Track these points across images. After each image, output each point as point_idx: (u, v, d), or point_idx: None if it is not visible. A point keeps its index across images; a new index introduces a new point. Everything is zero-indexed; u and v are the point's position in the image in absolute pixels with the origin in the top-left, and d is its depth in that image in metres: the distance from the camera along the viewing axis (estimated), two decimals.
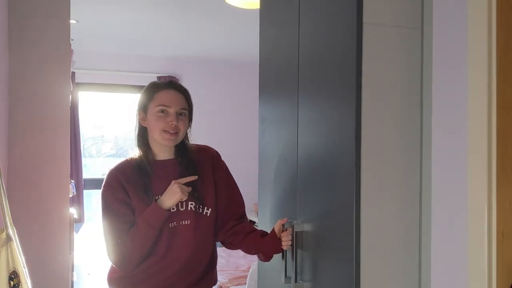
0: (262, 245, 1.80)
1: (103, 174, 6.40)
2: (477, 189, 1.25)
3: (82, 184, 5.43)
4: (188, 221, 1.73)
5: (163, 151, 1.78)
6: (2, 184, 1.30)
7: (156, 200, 1.69)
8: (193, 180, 1.74)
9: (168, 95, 1.73)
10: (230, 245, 1.89)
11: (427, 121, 1.50)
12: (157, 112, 1.70)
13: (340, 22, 1.57)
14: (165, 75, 5.75)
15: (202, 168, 1.82)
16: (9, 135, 2.34)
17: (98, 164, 7.51)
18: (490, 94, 1.22)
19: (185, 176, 1.74)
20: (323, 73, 1.68)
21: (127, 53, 5.54)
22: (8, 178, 2.31)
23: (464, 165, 1.31)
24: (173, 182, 1.69)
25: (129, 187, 1.70)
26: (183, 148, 1.80)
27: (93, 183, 5.78)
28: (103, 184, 1.73)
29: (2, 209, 1.30)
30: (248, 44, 4.83)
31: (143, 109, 1.75)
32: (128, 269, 1.71)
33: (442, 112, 1.43)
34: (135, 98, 6.12)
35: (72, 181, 3.62)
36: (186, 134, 1.80)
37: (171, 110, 1.71)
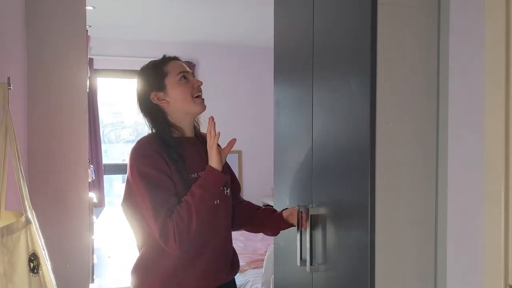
0: (273, 222, 1.83)
1: (123, 160, 6.45)
2: (493, 185, 1.22)
3: (102, 170, 5.51)
4: (218, 200, 1.66)
5: (188, 126, 1.69)
6: (20, 168, 1.33)
7: (191, 177, 1.61)
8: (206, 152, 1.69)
9: (178, 64, 1.69)
10: (233, 227, 1.83)
11: (443, 107, 1.48)
12: (179, 80, 1.64)
13: (354, 3, 1.55)
14: (182, 60, 5.76)
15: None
16: (27, 121, 2.38)
17: (117, 149, 7.60)
18: (508, 85, 1.19)
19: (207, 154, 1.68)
20: (337, 56, 1.66)
21: (144, 39, 5.56)
22: (28, 163, 2.36)
23: (480, 157, 1.29)
24: (208, 147, 1.58)
25: (168, 159, 1.57)
26: (195, 126, 1.78)
27: (113, 168, 5.86)
28: (135, 157, 1.57)
29: (22, 192, 1.33)
30: (264, 29, 4.79)
31: (159, 88, 1.64)
32: (183, 247, 1.51)
33: (459, 100, 1.41)
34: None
35: (91, 166, 3.67)
36: None
37: (190, 75, 1.68)
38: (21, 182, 1.33)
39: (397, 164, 1.48)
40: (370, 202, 1.44)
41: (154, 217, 1.49)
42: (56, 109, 2.45)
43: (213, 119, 1.59)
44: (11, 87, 1.35)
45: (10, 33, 2.04)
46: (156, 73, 1.67)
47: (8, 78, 1.37)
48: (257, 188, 5.97)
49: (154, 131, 1.67)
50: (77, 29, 2.53)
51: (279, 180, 2.21)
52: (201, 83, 1.67)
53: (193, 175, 1.62)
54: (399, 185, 1.48)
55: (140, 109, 1.71)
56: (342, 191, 1.62)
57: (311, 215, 1.76)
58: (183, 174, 1.58)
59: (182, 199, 1.53)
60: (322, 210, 1.74)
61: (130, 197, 1.62)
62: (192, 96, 1.64)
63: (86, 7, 2.64)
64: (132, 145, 1.64)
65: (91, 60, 5.17)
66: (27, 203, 1.33)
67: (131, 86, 6.72)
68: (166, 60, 1.70)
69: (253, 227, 1.90)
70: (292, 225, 1.82)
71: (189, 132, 1.71)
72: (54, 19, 2.47)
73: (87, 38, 2.89)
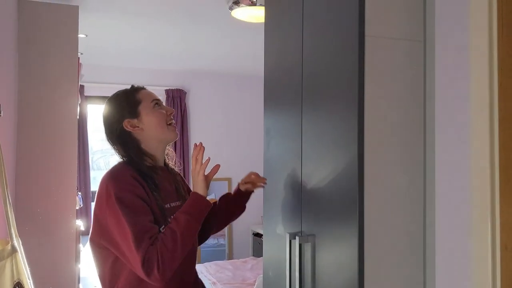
0: (235, 202, 1.92)
1: None
2: (480, 202, 1.24)
3: (90, 197, 5.45)
4: None
5: (160, 155, 1.68)
6: (8, 196, 1.32)
7: (167, 207, 1.59)
8: (175, 182, 1.73)
9: (149, 92, 1.71)
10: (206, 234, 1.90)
11: (430, 133, 1.50)
12: (153, 107, 1.64)
13: (342, 35, 1.59)
14: (173, 88, 5.80)
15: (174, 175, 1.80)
16: (17, 146, 2.37)
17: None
18: (491, 107, 1.22)
19: (178, 182, 1.74)
20: (326, 86, 1.69)
21: (135, 66, 5.60)
22: (16, 189, 2.34)
23: (467, 178, 1.31)
24: (193, 173, 1.57)
25: (146, 187, 1.52)
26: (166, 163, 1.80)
27: None
28: (113, 183, 1.49)
29: (8, 220, 1.32)
30: (254, 57, 4.86)
31: (132, 115, 1.62)
32: (166, 277, 1.43)
33: (445, 126, 1.43)
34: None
35: (79, 193, 3.64)
36: None
37: (161, 103, 1.70)
38: (8, 210, 1.32)
39: (386, 193, 1.49)
40: (359, 231, 1.44)
41: (136, 246, 1.39)
42: (46, 137, 2.45)
43: (201, 145, 1.59)
44: (1, 114, 1.35)
45: (1, 59, 2.05)
46: (129, 101, 1.65)
47: None
48: (246, 216, 5.92)
49: (125, 159, 1.62)
50: (69, 57, 2.56)
51: (269, 208, 2.21)
52: (174, 111, 1.69)
53: (168, 205, 1.60)
54: (388, 214, 1.49)
55: (110, 137, 1.66)
56: (332, 220, 1.62)
57: (300, 244, 1.76)
58: (160, 203, 1.55)
59: (166, 227, 1.48)
60: (311, 239, 1.74)
61: (102, 230, 1.51)
62: (166, 123, 1.65)
63: (79, 35, 2.67)
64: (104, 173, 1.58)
65: (81, 87, 5.19)
66: (14, 230, 1.32)
67: None
68: (137, 88, 1.70)
69: (222, 222, 1.93)
70: (252, 191, 1.93)
71: (161, 161, 1.70)
72: (47, 46, 2.49)
73: (79, 65, 2.91)
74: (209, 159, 1.60)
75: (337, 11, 1.63)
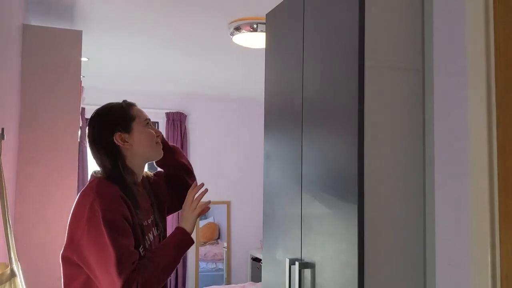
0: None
1: None
2: (480, 232, 1.24)
3: None
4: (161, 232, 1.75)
5: (140, 172, 1.69)
6: (8, 220, 1.32)
7: (144, 224, 1.58)
8: (156, 204, 1.75)
9: (139, 109, 1.72)
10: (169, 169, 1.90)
11: (429, 163, 1.51)
12: (144, 126, 1.67)
13: (342, 63, 1.61)
14: (174, 111, 5.83)
15: (152, 184, 1.81)
16: (18, 169, 2.38)
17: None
18: (490, 137, 1.23)
19: (151, 200, 1.73)
20: (326, 112, 1.71)
21: (136, 89, 5.64)
22: (15, 213, 2.33)
23: (466, 208, 1.31)
24: (189, 208, 1.61)
25: (130, 206, 1.51)
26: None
27: None
28: (99, 201, 1.43)
29: (8, 244, 1.32)
30: (255, 82, 4.91)
31: (125, 129, 1.61)
32: None
33: (444, 156, 1.45)
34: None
35: None
36: None
37: (151, 123, 1.74)
38: (8, 234, 1.32)
39: (386, 222, 1.49)
40: (359, 259, 1.44)
41: (118, 270, 1.35)
42: (46, 160, 2.46)
43: (202, 185, 1.65)
44: (5, 138, 1.37)
45: (5, 82, 2.07)
46: (124, 115, 1.64)
47: (2, 129, 1.39)
48: (245, 240, 5.90)
49: (106, 174, 1.58)
50: (72, 80, 2.59)
51: (268, 233, 2.20)
52: (161, 133, 1.75)
53: (145, 223, 1.60)
54: (389, 244, 1.48)
55: (98, 146, 1.62)
56: (332, 247, 1.62)
57: (300, 269, 1.75)
58: (141, 223, 1.55)
59: (149, 255, 1.49)
60: (311, 265, 1.73)
61: (74, 247, 1.45)
62: (155, 142, 1.70)
63: (81, 58, 2.71)
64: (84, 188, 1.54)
65: (83, 109, 5.22)
66: (13, 254, 1.31)
67: None
68: (131, 104, 1.71)
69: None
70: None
71: (140, 177, 1.70)
72: (50, 70, 2.52)
73: (81, 88, 2.94)
74: (209, 203, 1.65)
75: (337, 39, 1.66)
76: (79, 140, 2.70)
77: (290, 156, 1.98)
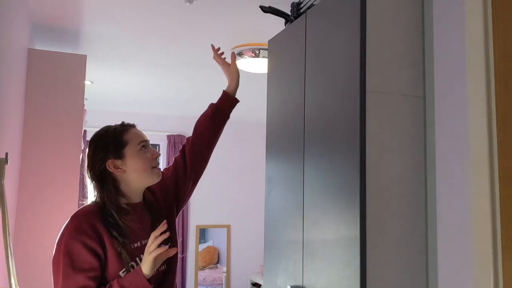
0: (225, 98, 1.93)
1: None
2: (482, 260, 1.24)
3: None
4: (164, 265, 1.62)
5: (138, 194, 1.64)
6: (10, 245, 1.32)
7: (134, 247, 1.55)
8: (161, 221, 1.60)
9: (136, 132, 1.65)
10: (198, 147, 1.87)
11: (431, 188, 1.52)
12: (139, 151, 1.60)
13: (344, 89, 1.63)
14: (175, 133, 5.85)
15: (157, 199, 1.74)
16: (19, 191, 2.37)
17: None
18: (491, 163, 1.24)
19: (155, 218, 1.64)
20: (328, 137, 1.72)
21: (137, 111, 5.68)
22: (15, 238, 2.32)
23: (468, 238, 1.31)
24: (146, 250, 1.49)
25: (106, 234, 1.49)
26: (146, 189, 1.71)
27: None
28: (66, 230, 1.46)
29: (9, 269, 1.31)
30: (257, 106, 4.94)
31: (117, 156, 1.58)
32: None
33: (445, 180, 1.45)
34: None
35: None
36: None
37: (148, 145, 1.66)
38: (9, 258, 1.31)
39: (388, 246, 1.48)
40: (361, 285, 1.43)
41: None
42: (47, 184, 2.46)
43: (165, 227, 1.50)
44: (8, 163, 1.37)
45: (8, 106, 2.09)
46: (115, 141, 1.60)
47: (6, 154, 1.39)
48: (245, 264, 5.85)
49: (98, 200, 1.58)
50: (75, 104, 2.60)
51: (270, 258, 2.18)
52: (159, 154, 1.66)
53: (135, 245, 1.56)
54: (390, 269, 1.48)
55: (91, 174, 1.60)
56: (335, 273, 1.61)
57: None
58: (123, 247, 1.51)
59: None
60: None
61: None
62: (151, 167, 1.62)
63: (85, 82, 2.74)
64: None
65: (84, 132, 5.24)
66: (14, 280, 1.30)
67: None
68: (126, 127, 1.66)
69: (212, 129, 1.91)
70: (235, 75, 1.98)
71: (137, 199, 1.65)
72: (54, 94, 2.55)
73: (83, 112, 2.96)
74: (167, 248, 1.53)
75: (339, 65, 1.68)
76: (80, 163, 2.70)
77: (291, 180, 1.98)
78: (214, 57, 2.02)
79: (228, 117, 1.97)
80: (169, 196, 1.78)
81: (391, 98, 1.56)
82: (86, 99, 3.91)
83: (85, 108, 3.39)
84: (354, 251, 1.47)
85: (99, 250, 1.45)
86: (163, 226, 1.48)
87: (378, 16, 1.58)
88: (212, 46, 2.02)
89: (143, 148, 1.61)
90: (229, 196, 6.00)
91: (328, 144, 1.71)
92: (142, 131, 1.69)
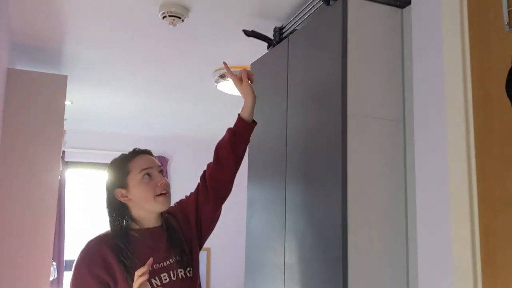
0: (240, 123, 1.79)
1: None
2: (463, 278, 1.25)
3: (63, 266, 5.25)
4: None
5: (151, 219, 1.64)
6: None
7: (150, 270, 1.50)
8: (178, 244, 1.63)
9: (143, 159, 1.65)
10: (216, 178, 1.76)
11: (412, 209, 1.53)
12: (141, 179, 1.60)
13: (326, 112, 1.65)
14: (155, 155, 5.80)
15: (179, 223, 1.71)
16: None
17: (81, 244, 7.26)
18: (470, 188, 1.26)
19: (172, 241, 1.63)
20: (310, 160, 1.73)
21: (117, 132, 5.63)
22: None
23: (449, 262, 1.32)
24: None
25: (115, 261, 1.52)
26: (164, 213, 1.69)
27: None
28: (76, 258, 1.54)
29: None
30: None
31: (121, 186, 1.61)
32: None
33: (425, 205, 1.46)
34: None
35: (54, 263, 3.51)
36: None
37: (154, 172, 1.63)
38: None
39: (369, 269, 1.48)
40: None
41: None
42: (25, 206, 2.40)
43: (151, 264, 1.45)
44: None
45: None
46: (120, 170, 1.63)
47: None
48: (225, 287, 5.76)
49: (112, 229, 1.61)
50: (55, 125, 2.58)
51: (251, 282, 2.16)
52: (165, 180, 1.63)
53: (155, 266, 1.55)
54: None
55: (106, 203, 1.65)
56: None
57: None
58: (127, 271, 1.51)
59: None
60: None
61: None
62: (154, 195, 1.60)
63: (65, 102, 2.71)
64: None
65: (63, 152, 5.17)
66: None
67: (100, 179, 6.67)
68: (133, 155, 1.67)
69: (233, 154, 1.77)
70: (251, 95, 1.81)
71: (153, 223, 1.65)
72: (33, 114, 2.51)
73: (63, 132, 2.92)
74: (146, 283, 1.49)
75: (321, 89, 1.70)
76: (58, 186, 2.66)
77: (273, 204, 1.98)
78: (227, 74, 1.93)
79: (247, 141, 1.83)
80: (190, 221, 1.74)
81: (371, 122, 1.59)
82: (65, 119, 3.86)
83: (64, 128, 3.35)
84: (337, 275, 1.47)
85: (107, 277, 1.49)
86: (147, 266, 1.44)
87: (358, 42, 1.61)
88: (224, 64, 1.86)
89: (146, 176, 1.61)
90: None
91: (310, 168, 1.72)
92: (151, 156, 1.68)
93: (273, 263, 1.91)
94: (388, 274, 1.51)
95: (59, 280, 5.09)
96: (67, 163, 5.39)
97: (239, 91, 1.83)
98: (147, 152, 1.70)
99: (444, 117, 1.39)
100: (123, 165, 1.64)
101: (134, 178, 1.60)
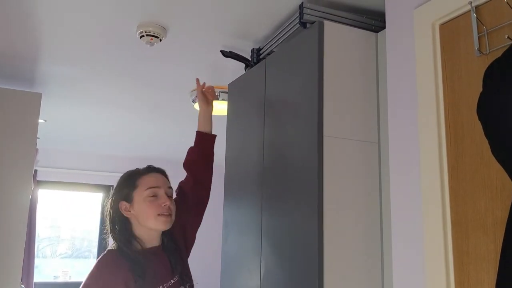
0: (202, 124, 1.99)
1: (54, 277, 5.90)
2: None
3: None
4: None
5: (153, 238, 1.65)
6: None
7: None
8: (179, 263, 1.66)
9: (153, 178, 1.67)
10: (197, 176, 1.88)
11: (387, 229, 1.54)
12: (147, 196, 1.61)
13: (302, 134, 1.66)
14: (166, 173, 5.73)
15: (177, 242, 1.72)
16: None
17: (52, 265, 7.10)
18: (444, 210, 1.28)
19: (173, 260, 1.65)
20: (286, 182, 1.73)
21: (91, 151, 5.54)
22: None
23: (422, 275, 1.33)
24: None
25: (130, 275, 1.52)
26: (166, 232, 1.69)
27: (44, 287, 5.42)
28: (92, 270, 1.54)
29: None
30: (217, 148, 4.94)
31: (127, 199, 1.63)
32: None
33: (400, 227, 1.48)
34: (96, 198, 6.01)
35: (23, 286, 3.40)
36: None
37: (161, 192, 1.64)
38: None
39: None
40: None
41: None
42: None
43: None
44: None
45: None
46: (128, 184, 1.66)
47: None
48: None
49: (116, 243, 1.63)
50: (27, 143, 2.52)
51: None
52: (169, 202, 1.63)
53: (166, 285, 1.57)
54: None
55: (109, 213, 1.66)
56: None
57: None
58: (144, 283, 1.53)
59: None
60: None
61: None
62: (156, 214, 1.60)
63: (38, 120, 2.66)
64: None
65: (35, 172, 5.05)
66: None
67: (73, 199, 6.55)
68: (142, 173, 1.68)
69: (200, 157, 1.94)
70: (208, 103, 2.01)
71: (154, 243, 1.65)
72: (4, 132, 2.46)
73: (36, 151, 2.86)
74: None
75: (297, 110, 1.71)
76: (28, 207, 2.59)
77: (249, 226, 1.96)
78: (197, 91, 2.01)
79: (211, 154, 1.99)
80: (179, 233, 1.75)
81: (347, 144, 1.60)
82: (38, 137, 3.79)
83: (37, 147, 3.28)
84: None
85: (130, 283, 1.50)
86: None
87: (335, 64, 1.64)
88: (197, 80, 2.02)
89: (152, 194, 1.62)
90: None
91: (286, 188, 1.72)
92: (163, 177, 1.70)
93: (248, 285, 1.89)
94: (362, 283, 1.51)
95: None
96: (39, 182, 5.26)
97: (200, 108, 1.99)
98: (160, 171, 1.73)
99: (418, 140, 1.41)
100: (132, 179, 1.66)
101: (140, 195, 1.62)
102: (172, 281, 1.62)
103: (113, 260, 1.56)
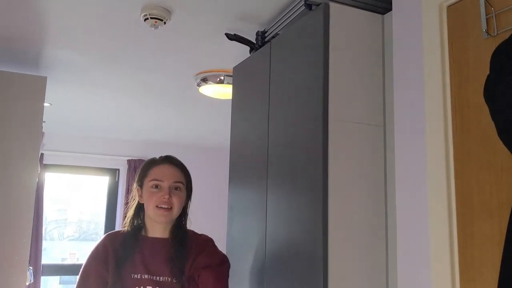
0: None
1: (62, 259, 5.96)
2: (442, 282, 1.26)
3: (40, 271, 5.15)
4: None
5: (157, 229, 1.67)
6: None
7: (132, 277, 1.57)
8: (177, 265, 1.60)
9: (161, 169, 1.68)
10: None
11: (392, 215, 1.54)
12: (150, 187, 1.66)
13: (307, 117, 1.66)
14: (135, 158, 5.75)
15: (195, 256, 1.67)
16: None
17: (59, 247, 7.19)
18: (449, 190, 1.27)
19: (173, 255, 1.61)
20: (291, 165, 1.73)
21: (97, 135, 5.56)
22: None
23: (428, 265, 1.33)
24: None
25: (112, 259, 1.60)
26: (179, 228, 1.71)
27: (52, 269, 5.48)
28: (92, 249, 1.66)
29: None
30: (220, 131, 4.94)
31: (140, 185, 1.71)
32: None
33: (405, 209, 1.48)
34: (103, 181, 6.05)
35: (30, 268, 3.44)
36: (184, 212, 1.75)
37: (164, 185, 1.65)
38: None
39: (349, 275, 1.49)
40: None
41: None
42: (1, 208, 2.35)
43: None
44: None
45: None
46: (143, 170, 1.73)
47: None
48: None
49: (125, 223, 1.72)
50: (33, 126, 2.53)
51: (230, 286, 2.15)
52: (167, 196, 1.63)
53: (134, 276, 1.58)
54: None
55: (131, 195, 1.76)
56: None
57: None
58: (121, 274, 1.58)
59: None
60: None
61: None
62: (155, 205, 1.63)
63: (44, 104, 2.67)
64: None
65: (41, 155, 5.08)
66: None
67: (79, 183, 6.60)
68: (156, 162, 1.72)
69: None
70: None
71: (156, 233, 1.67)
72: (11, 116, 2.47)
73: (42, 134, 2.87)
74: None
75: (302, 93, 1.71)
76: (35, 189, 2.61)
77: (254, 210, 1.97)
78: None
79: None
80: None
81: (352, 127, 1.60)
82: (44, 121, 3.80)
83: (43, 130, 3.29)
84: (317, 281, 1.47)
85: (104, 270, 1.59)
86: None
87: (340, 47, 1.63)
88: None
89: (154, 186, 1.66)
90: (190, 223, 5.90)
91: (291, 172, 1.73)
92: (174, 170, 1.70)
93: (253, 269, 1.90)
94: (368, 278, 1.51)
95: (35, 285, 4.99)
96: (45, 166, 5.30)
97: None
98: (173, 163, 1.73)
99: (423, 122, 1.41)
100: (147, 167, 1.73)
101: (147, 184, 1.68)
102: (158, 278, 1.59)
103: (110, 240, 1.67)
